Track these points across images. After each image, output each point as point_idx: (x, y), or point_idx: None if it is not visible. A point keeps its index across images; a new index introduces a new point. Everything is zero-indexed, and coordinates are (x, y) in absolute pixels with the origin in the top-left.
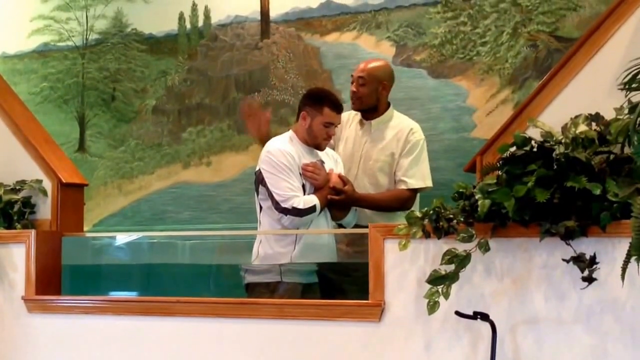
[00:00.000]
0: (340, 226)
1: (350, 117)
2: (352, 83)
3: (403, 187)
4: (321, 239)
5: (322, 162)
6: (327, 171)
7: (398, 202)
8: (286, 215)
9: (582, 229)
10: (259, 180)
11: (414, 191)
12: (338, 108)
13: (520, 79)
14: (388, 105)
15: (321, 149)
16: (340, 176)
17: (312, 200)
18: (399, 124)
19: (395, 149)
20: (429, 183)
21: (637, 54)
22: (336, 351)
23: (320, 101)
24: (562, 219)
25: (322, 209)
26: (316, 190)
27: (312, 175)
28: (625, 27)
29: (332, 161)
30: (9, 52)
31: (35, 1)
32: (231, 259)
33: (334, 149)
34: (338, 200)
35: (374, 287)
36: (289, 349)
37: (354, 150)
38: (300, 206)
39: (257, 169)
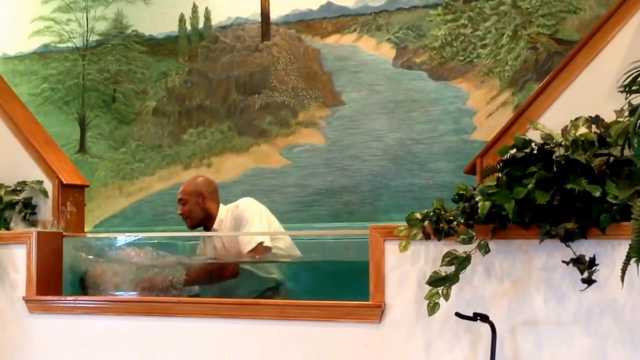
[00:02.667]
0: None
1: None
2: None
3: (247, 248)
4: None
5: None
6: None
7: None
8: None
9: (581, 231)
10: None
11: (260, 246)
12: None
13: (520, 81)
14: (217, 206)
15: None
16: None
17: None
18: (226, 214)
19: (237, 228)
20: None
21: (637, 57)
22: (337, 352)
23: None
24: (562, 221)
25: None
26: None
27: None
28: (625, 30)
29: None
30: (10, 53)
31: (35, 2)
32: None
33: None
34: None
35: (375, 289)
36: (289, 349)
37: (218, 256)
38: None
39: None
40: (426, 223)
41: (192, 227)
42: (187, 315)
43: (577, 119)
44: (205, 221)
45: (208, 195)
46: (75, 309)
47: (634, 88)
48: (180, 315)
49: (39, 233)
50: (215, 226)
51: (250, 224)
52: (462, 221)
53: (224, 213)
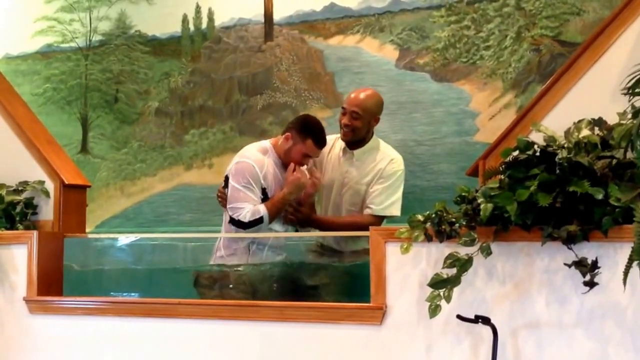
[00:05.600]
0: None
1: (333, 142)
2: (343, 114)
3: (367, 212)
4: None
5: None
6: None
7: (357, 228)
8: (231, 224)
9: (584, 234)
10: (226, 183)
11: (378, 218)
12: (321, 144)
13: (523, 83)
14: (372, 134)
15: (344, 137)
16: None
17: (260, 211)
18: (381, 155)
19: (376, 178)
20: (395, 212)
21: None
22: (337, 354)
23: (307, 132)
24: (564, 223)
25: (272, 220)
26: (272, 197)
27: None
28: (628, 32)
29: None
30: (12, 53)
31: (38, 2)
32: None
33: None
34: (293, 220)
35: (376, 290)
36: (290, 351)
37: (334, 176)
38: (246, 219)
39: (227, 171)
40: (428, 225)
41: (348, 141)
42: (187, 316)
43: (580, 121)
44: (361, 142)
45: (379, 117)
46: (76, 310)
47: (637, 90)
48: (180, 317)
49: (40, 233)
50: (357, 152)
51: (385, 188)
52: (464, 223)
53: (380, 151)
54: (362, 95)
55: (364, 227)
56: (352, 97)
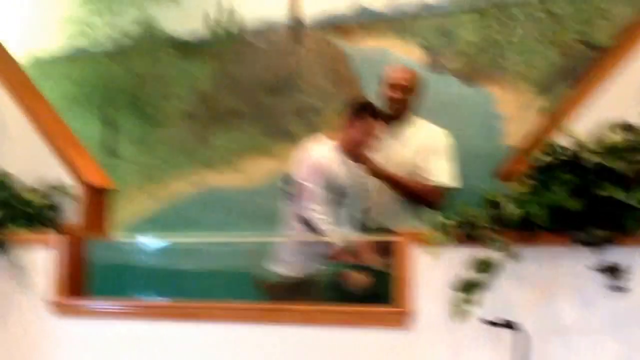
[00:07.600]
0: None
1: None
2: (390, 88)
3: (436, 183)
4: None
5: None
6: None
7: (430, 194)
8: (305, 224)
9: (611, 238)
10: (286, 180)
11: (445, 189)
12: (380, 117)
13: (551, 86)
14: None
15: (391, 109)
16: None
17: (334, 234)
18: (426, 128)
19: (429, 151)
20: (457, 184)
21: None
22: (362, 358)
23: (363, 111)
24: (592, 227)
25: (332, 257)
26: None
27: None
28: None
29: None
30: (39, 55)
31: (65, 4)
32: (259, 264)
33: None
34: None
35: (401, 294)
36: (314, 354)
37: (382, 153)
38: (321, 227)
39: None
40: (454, 228)
41: (395, 117)
42: (212, 319)
43: (608, 124)
44: (398, 117)
45: (418, 94)
46: (100, 313)
47: None
48: (205, 320)
49: (64, 236)
50: (396, 128)
51: (447, 161)
52: (491, 227)
53: (424, 124)
54: (407, 71)
55: (436, 196)
56: (398, 73)
